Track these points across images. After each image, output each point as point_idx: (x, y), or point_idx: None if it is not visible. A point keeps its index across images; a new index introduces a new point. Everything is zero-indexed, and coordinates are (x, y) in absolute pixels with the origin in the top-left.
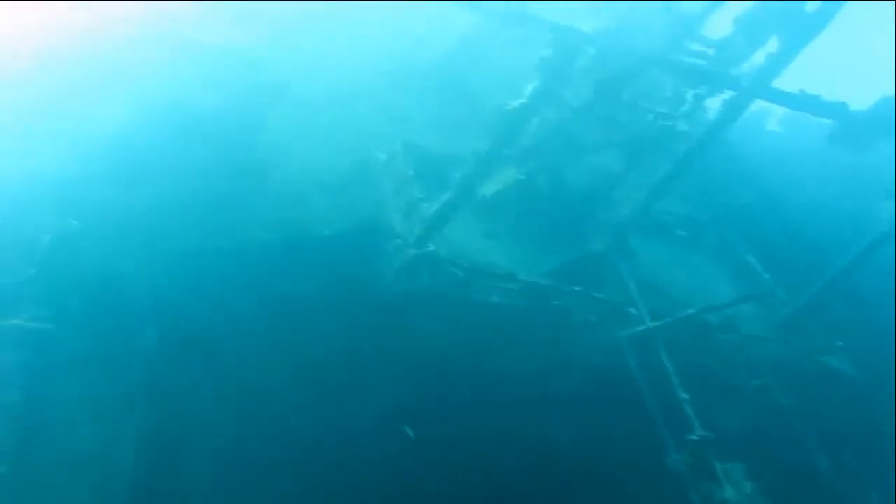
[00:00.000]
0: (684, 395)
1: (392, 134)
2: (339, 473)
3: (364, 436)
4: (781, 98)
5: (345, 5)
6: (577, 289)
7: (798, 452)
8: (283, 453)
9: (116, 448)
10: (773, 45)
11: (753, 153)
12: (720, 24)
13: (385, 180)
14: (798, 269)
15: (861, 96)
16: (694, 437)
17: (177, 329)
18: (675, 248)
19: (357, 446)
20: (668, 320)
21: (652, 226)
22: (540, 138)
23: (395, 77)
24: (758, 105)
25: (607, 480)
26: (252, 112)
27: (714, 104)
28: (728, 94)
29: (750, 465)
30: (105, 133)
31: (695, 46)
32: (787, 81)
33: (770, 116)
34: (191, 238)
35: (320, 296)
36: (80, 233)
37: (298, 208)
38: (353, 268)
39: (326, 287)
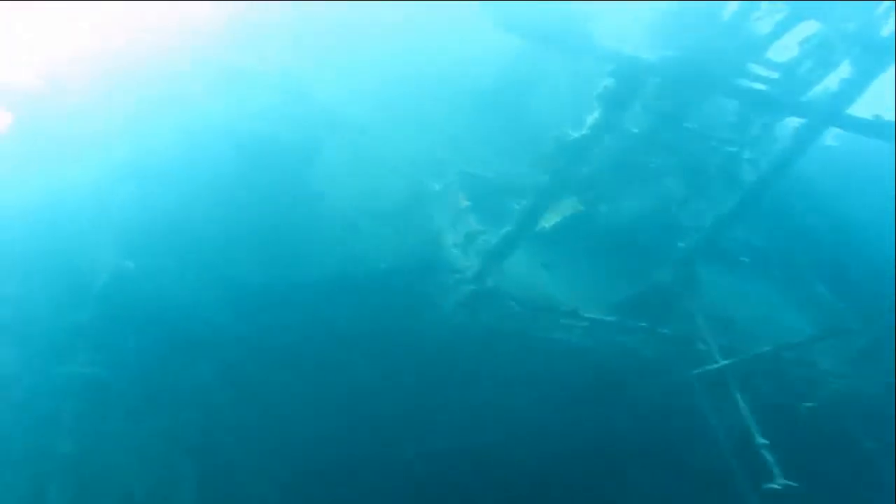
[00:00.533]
0: (762, 440)
1: (446, 161)
2: None
3: (423, 472)
4: (855, 125)
5: (393, 28)
6: (642, 324)
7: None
8: (345, 491)
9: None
10: (844, 69)
11: (813, 171)
12: (788, 48)
13: (440, 211)
14: (870, 296)
15: None
16: (776, 487)
17: (232, 366)
18: (740, 277)
19: (417, 483)
20: (740, 357)
21: (715, 253)
22: (600, 167)
23: (446, 102)
24: None
25: None
26: (303, 140)
27: (782, 131)
28: (797, 122)
29: None
30: (158, 163)
31: (761, 71)
32: (860, 106)
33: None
34: (246, 272)
35: (376, 331)
36: (135, 271)
37: (352, 240)
38: (411, 302)
39: (383, 322)
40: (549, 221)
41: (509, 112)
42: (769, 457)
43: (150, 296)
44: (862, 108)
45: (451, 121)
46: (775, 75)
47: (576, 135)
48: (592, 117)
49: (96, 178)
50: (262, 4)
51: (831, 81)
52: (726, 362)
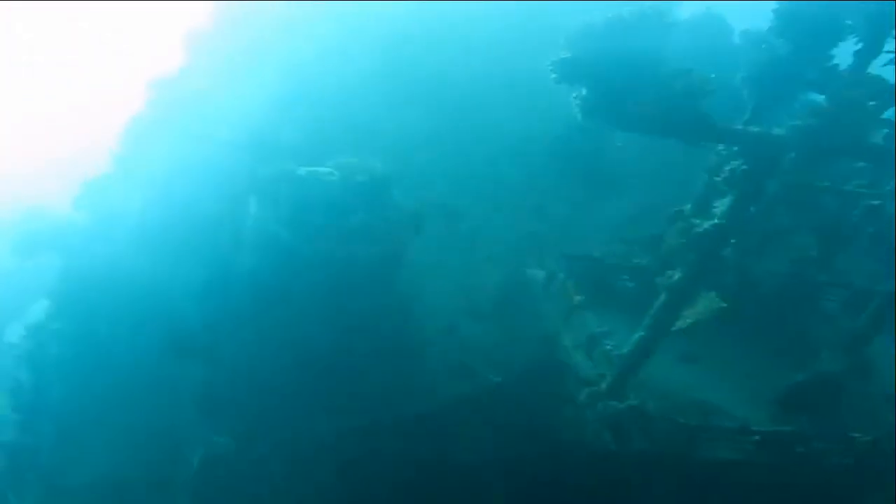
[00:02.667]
0: None
1: (545, 238)
2: None
3: None
4: None
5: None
6: (823, 428)
7: None
8: None
9: None
10: None
11: None
12: None
13: (549, 305)
14: None
15: None
16: None
17: None
18: None
19: None
20: None
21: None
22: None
23: (536, 167)
24: None
25: None
26: (389, 234)
27: None
28: None
29: None
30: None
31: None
32: None
33: None
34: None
35: (510, 464)
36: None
37: (454, 348)
38: (541, 424)
39: (514, 448)
40: (686, 321)
41: (604, 182)
42: None
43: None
44: None
45: (545, 190)
46: None
47: (706, 225)
48: (722, 204)
49: None
50: None
51: None
52: None
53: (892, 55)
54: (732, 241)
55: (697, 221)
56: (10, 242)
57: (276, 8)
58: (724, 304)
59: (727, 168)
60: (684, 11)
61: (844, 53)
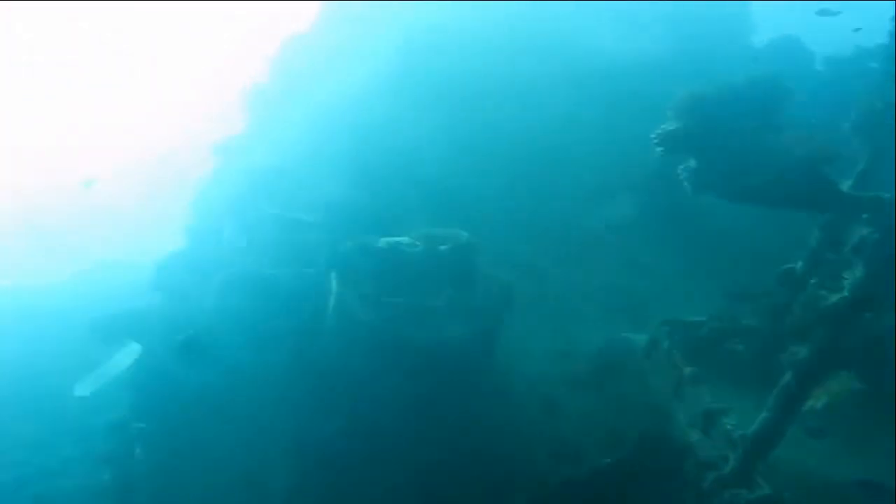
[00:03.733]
0: None
1: (640, 294)
2: None
3: None
4: None
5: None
6: None
7: None
8: None
9: None
10: None
11: None
12: None
13: (653, 375)
14: None
15: None
16: None
17: None
18: None
19: None
20: None
21: None
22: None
23: (622, 217)
24: None
25: None
26: (481, 311)
27: None
28: None
29: None
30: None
31: None
32: None
33: None
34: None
35: None
36: None
37: (554, 426)
38: None
39: None
40: (819, 402)
41: (698, 230)
42: None
43: None
44: None
45: (630, 244)
46: None
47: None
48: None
49: None
50: None
51: None
52: None
53: None
54: (866, 315)
55: (824, 293)
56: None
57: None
58: (861, 386)
59: (857, 236)
60: (762, 38)
61: None
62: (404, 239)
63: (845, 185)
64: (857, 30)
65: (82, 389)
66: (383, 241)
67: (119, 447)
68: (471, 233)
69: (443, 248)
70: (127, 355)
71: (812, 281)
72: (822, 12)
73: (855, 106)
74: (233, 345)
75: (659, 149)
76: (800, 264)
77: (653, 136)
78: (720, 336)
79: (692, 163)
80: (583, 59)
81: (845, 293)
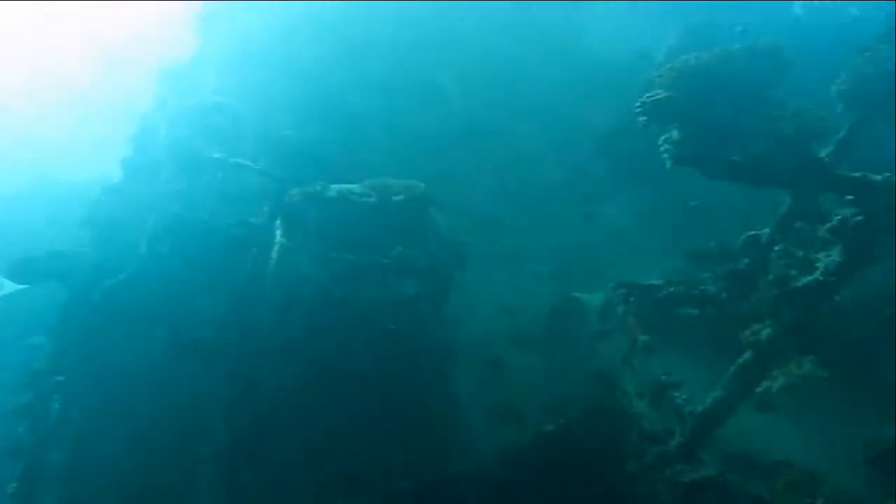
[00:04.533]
0: None
1: (596, 250)
2: None
3: None
4: None
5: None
6: None
7: None
8: None
9: None
10: None
11: None
12: None
13: (604, 340)
14: None
15: None
16: None
17: None
18: None
19: None
20: None
21: None
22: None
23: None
24: None
25: None
26: (432, 270)
27: None
28: None
29: None
30: None
31: None
32: None
33: None
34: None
35: None
36: None
37: (499, 386)
38: (601, 483)
39: None
40: (775, 384)
41: (659, 184)
42: None
43: None
44: None
45: (589, 198)
46: None
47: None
48: (826, 255)
49: None
50: None
51: None
52: None
53: None
54: (836, 298)
55: (794, 272)
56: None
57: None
58: (825, 374)
59: (836, 216)
60: None
61: None
62: (356, 187)
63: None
64: None
65: None
66: (333, 189)
67: (35, 400)
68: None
69: (396, 198)
70: None
71: (776, 249)
72: None
73: (845, 69)
74: (164, 296)
75: (642, 118)
76: (766, 231)
77: (637, 104)
78: (677, 302)
79: (675, 134)
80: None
81: (819, 276)
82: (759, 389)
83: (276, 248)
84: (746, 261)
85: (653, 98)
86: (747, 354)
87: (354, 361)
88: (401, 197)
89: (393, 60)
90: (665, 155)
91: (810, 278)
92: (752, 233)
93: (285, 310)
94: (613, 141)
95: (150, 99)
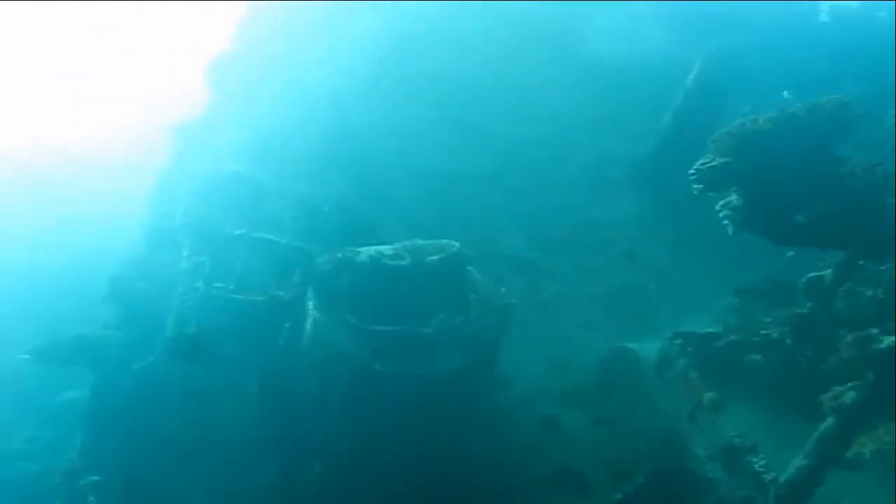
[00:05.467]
0: None
1: (644, 292)
2: None
3: None
4: None
5: None
6: None
7: None
8: None
9: None
10: None
11: None
12: None
13: (665, 394)
14: None
15: None
16: None
17: None
18: None
19: None
20: None
21: None
22: None
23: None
24: None
25: None
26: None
27: None
28: None
29: None
30: None
31: None
32: None
33: None
34: None
35: None
36: None
37: (555, 447)
38: None
39: None
40: (863, 449)
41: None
42: None
43: None
44: None
45: (630, 232)
46: None
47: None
48: None
49: None
50: None
51: None
52: None
53: None
54: None
55: (875, 331)
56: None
57: None
58: None
59: None
60: None
61: None
62: (387, 249)
63: None
64: None
65: None
66: (363, 254)
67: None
68: (458, 222)
69: (431, 259)
70: None
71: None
72: None
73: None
74: (197, 384)
75: (697, 185)
76: (829, 273)
77: (691, 171)
78: (739, 349)
79: (734, 199)
80: (583, 52)
81: None
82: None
83: (309, 322)
84: (810, 304)
85: (708, 165)
86: (830, 420)
87: (400, 440)
88: (435, 257)
89: (408, 99)
90: (725, 221)
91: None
92: (815, 274)
93: (324, 390)
94: (647, 168)
95: (167, 156)
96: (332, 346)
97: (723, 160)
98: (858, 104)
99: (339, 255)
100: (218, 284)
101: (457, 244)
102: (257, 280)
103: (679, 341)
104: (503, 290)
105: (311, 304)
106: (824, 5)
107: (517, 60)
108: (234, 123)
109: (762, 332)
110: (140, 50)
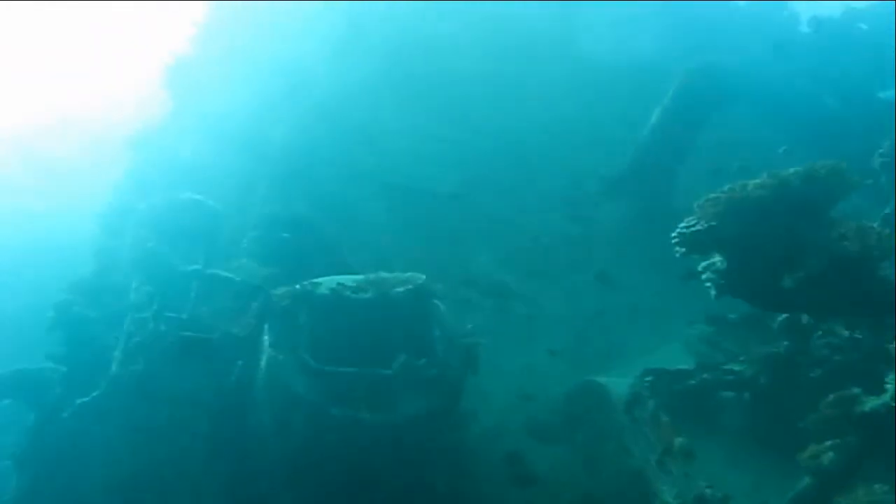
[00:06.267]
0: None
1: (618, 331)
2: None
3: None
4: None
5: None
6: None
7: None
8: None
9: None
10: None
11: None
12: None
13: (634, 434)
14: None
15: None
16: None
17: None
18: None
19: None
20: None
21: None
22: None
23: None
24: None
25: None
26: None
27: None
28: None
29: None
30: None
31: None
32: None
33: None
34: None
35: None
36: None
37: (524, 483)
38: None
39: None
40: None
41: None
42: None
43: None
44: None
45: (602, 254)
46: None
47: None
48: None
49: None
50: None
51: None
52: None
53: None
54: None
55: (857, 391)
56: None
57: None
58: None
59: None
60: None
61: None
62: (349, 280)
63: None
64: None
65: None
66: (324, 286)
67: None
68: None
69: (395, 292)
70: None
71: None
72: None
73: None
74: (143, 424)
75: (679, 248)
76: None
77: (673, 235)
78: (711, 388)
79: (718, 262)
80: (560, 66)
81: (889, 401)
82: None
83: (263, 360)
84: (786, 343)
85: (691, 229)
86: (807, 481)
87: (356, 489)
88: (400, 289)
89: (376, 109)
90: (708, 284)
91: (879, 402)
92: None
93: (277, 433)
94: (622, 185)
95: (122, 166)
96: (286, 389)
97: (706, 224)
98: (854, 171)
99: (298, 287)
100: (169, 315)
101: (422, 276)
102: (210, 314)
103: (649, 378)
104: (469, 326)
105: (266, 339)
106: (804, 13)
107: (492, 72)
108: (192, 133)
109: (736, 369)
110: (98, 50)
